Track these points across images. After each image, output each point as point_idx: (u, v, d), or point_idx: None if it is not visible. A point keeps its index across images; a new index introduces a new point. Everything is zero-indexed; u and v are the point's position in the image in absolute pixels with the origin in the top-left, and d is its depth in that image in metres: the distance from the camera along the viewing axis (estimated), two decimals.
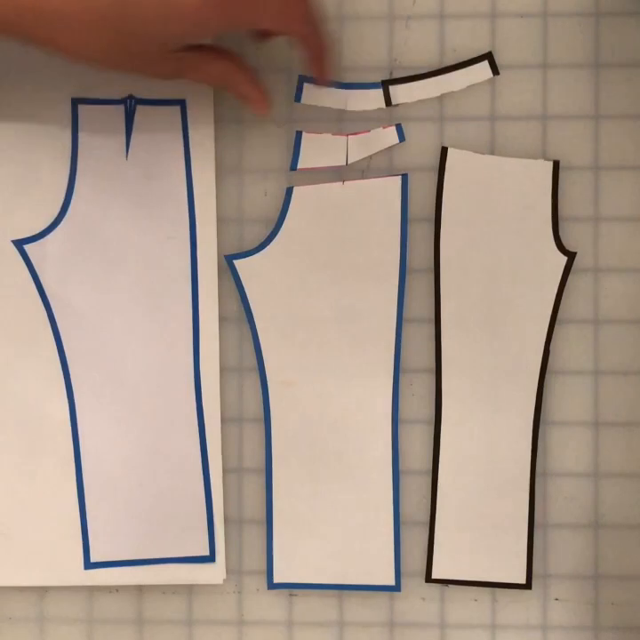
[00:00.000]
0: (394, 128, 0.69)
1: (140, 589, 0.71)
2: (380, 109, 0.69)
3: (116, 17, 0.58)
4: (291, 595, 0.70)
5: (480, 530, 0.69)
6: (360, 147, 0.69)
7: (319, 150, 0.69)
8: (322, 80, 0.67)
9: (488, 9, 0.69)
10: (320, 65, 0.66)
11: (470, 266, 0.69)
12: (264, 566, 0.70)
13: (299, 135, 0.69)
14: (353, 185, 0.69)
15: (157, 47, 0.61)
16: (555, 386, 0.69)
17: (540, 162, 0.69)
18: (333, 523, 0.69)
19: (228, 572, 0.70)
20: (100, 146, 0.70)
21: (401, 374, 0.69)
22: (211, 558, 0.70)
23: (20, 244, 0.70)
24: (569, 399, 0.69)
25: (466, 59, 0.69)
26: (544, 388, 0.69)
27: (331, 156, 0.69)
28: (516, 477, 0.69)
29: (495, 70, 0.69)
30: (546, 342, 0.69)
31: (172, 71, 0.63)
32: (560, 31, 0.69)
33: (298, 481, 0.69)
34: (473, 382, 0.69)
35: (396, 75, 0.69)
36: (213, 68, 0.65)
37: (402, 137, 0.69)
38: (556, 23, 0.69)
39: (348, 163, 0.69)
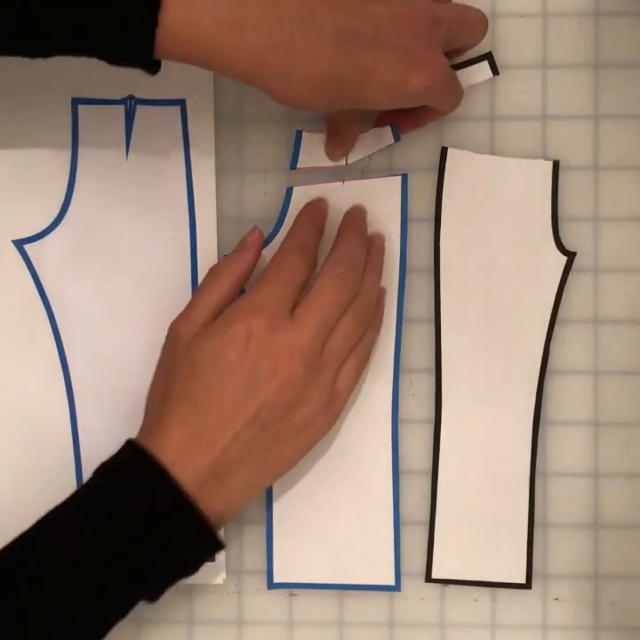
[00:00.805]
0: (389, 128, 0.68)
1: None
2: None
3: (346, 87, 0.59)
4: (291, 595, 0.70)
5: (480, 530, 0.69)
6: (360, 147, 0.69)
7: (319, 150, 0.69)
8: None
9: (488, 9, 0.69)
10: (415, 128, 0.68)
11: (470, 266, 0.69)
12: (264, 566, 0.70)
13: (299, 135, 0.69)
14: (353, 185, 0.69)
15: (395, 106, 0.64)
16: (555, 386, 0.69)
17: (540, 162, 0.69)
18: (333, 523, 0.69)
19: (228, 572, 0.70)
20: (100, 146, 0.70)
21: (401, 374, 0.69)
22: (211, 558, 0.69)
23: (20, 243, 0.70)
24: (569, 399, 0.69)
25: (466, 59, 0.69)
26: (544, 388, 0.69)
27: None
28: (516, 477, 0.69)
29: (495, 70, 0.69)
30: (546, 342, 0.69)
31: (438, 98, 0.64)
32: (560, 31, 0.69)
33: (298, 481, 0.69)
34: (473, 382, 0.69)
35: None
36: (355, 116, 0.66)
37: (397, 137, 0.68)
38: (555, 23, 0.69)
39: (348, 163, 0.69)
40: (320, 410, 0.63)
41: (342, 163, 0.69)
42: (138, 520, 0.59)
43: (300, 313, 0.62)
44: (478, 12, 0.66)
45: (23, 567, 0.59)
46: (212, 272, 0.66)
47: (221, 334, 0.62)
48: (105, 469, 0.61)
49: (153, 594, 0.61)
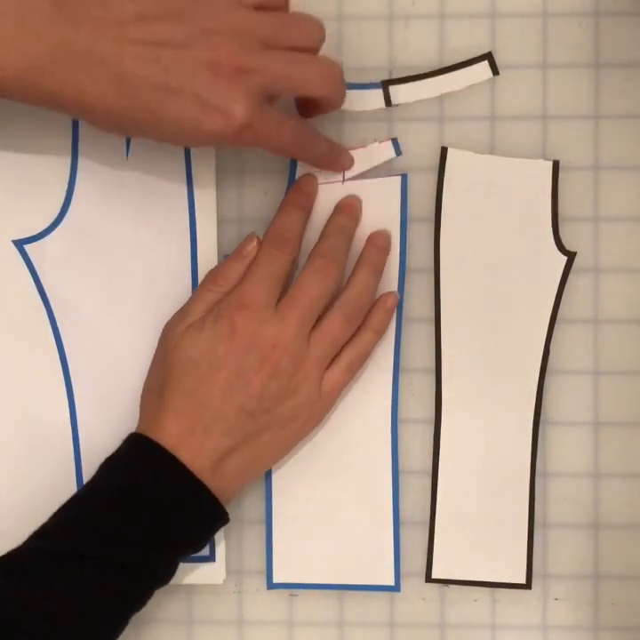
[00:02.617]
0: (390, 142, 0.68)
1: None
2: (380, 109, 0.69)
3: (138, 125, 0.61)
4: (291, 595, 0.70)
5: (480, 530, 0.69)
6: (356, 162, 0.69)
7: (315, 169, 0.69)
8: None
9: (488, 9, 0.69)
10: (319, 112, 0.67)
11: (470, 266, 0.69)
12: (264, 566, 0.70)
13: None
14: (353, 185, 0.69)
15: (197, 146, 0.66)
16: (555, 386, 0.69)
17: (540, 162, 0.69)
18: (333, 523, 0.69)
19: (228, 572, 0.70)
20: (100, 146, 0.70)
21: (401, 374, 0.69)
22: (211, 558, 0.69)
23: (20, 243, 0.70)
24: (569, 399, 0.69)
25: (466, 59, 0.69)
26: (544, 388, 0.69)
27: (327, 173, 0.69)
28: (515, 477, 0.69)
29: (495, 70, 0.69)
30: (546, 342, 0.69)
31: (242, 144, 0.63)
32: (560, 31, 0.69)
33: (297, 481, 0.69)
34: (473, 382, 0.69)
35: (396, 75, 0.69)
36: (285, 135, 0.64)
37: (398, 151, 0.69)
38: (555, 23, 0.69)
39: (345, 180, 0.69)
40: (306, 403, 0.65)
41: (339, 180, 0.69)
42: (149, 501, 0.63)
43: (283, 306, 0.65)
44: (325, 64, 0.63)
45: (54, 554, 0.62)
46: (208, 279, 0.67)
47: (210, 330, 0.64)
48: (111, 460, 0.64)
49: (165, 573, 0.64)
